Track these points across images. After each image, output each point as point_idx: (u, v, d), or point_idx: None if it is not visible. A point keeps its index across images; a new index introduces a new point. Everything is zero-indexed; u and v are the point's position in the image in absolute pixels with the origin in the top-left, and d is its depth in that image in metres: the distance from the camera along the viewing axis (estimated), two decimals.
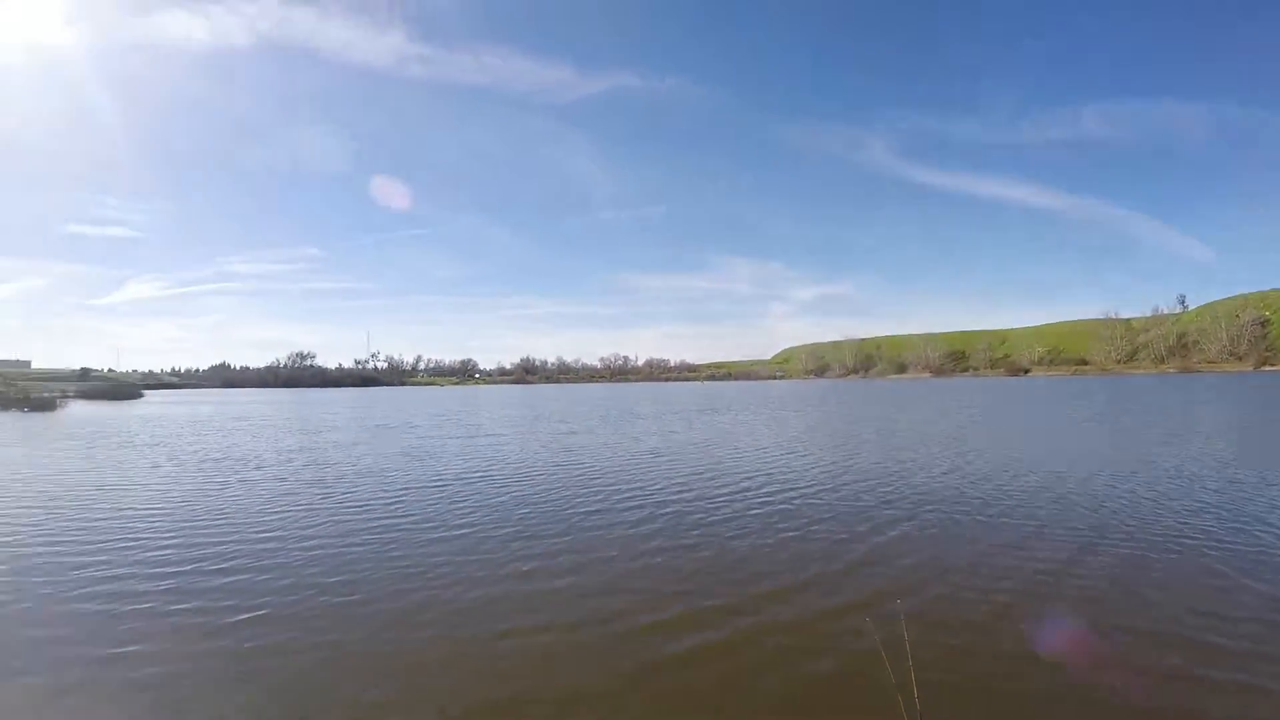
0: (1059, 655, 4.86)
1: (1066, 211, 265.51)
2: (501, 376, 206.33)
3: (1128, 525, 8.69)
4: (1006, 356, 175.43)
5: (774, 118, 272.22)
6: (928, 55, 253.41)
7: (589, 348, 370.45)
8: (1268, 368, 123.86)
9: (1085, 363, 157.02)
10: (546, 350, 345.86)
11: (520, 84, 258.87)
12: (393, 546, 8.05)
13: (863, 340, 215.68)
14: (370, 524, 9.27)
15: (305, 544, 8.20)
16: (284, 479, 13.48)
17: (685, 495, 11.28)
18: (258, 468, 15.13)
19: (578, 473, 13.89)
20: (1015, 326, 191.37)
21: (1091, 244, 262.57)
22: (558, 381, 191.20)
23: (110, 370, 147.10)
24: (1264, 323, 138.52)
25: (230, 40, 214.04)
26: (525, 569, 7.11)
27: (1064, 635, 5.23)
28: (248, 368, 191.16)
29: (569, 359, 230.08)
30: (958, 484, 11.93)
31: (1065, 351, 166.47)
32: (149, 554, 7.89)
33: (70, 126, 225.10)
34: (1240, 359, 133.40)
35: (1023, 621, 5.48)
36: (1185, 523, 8.87)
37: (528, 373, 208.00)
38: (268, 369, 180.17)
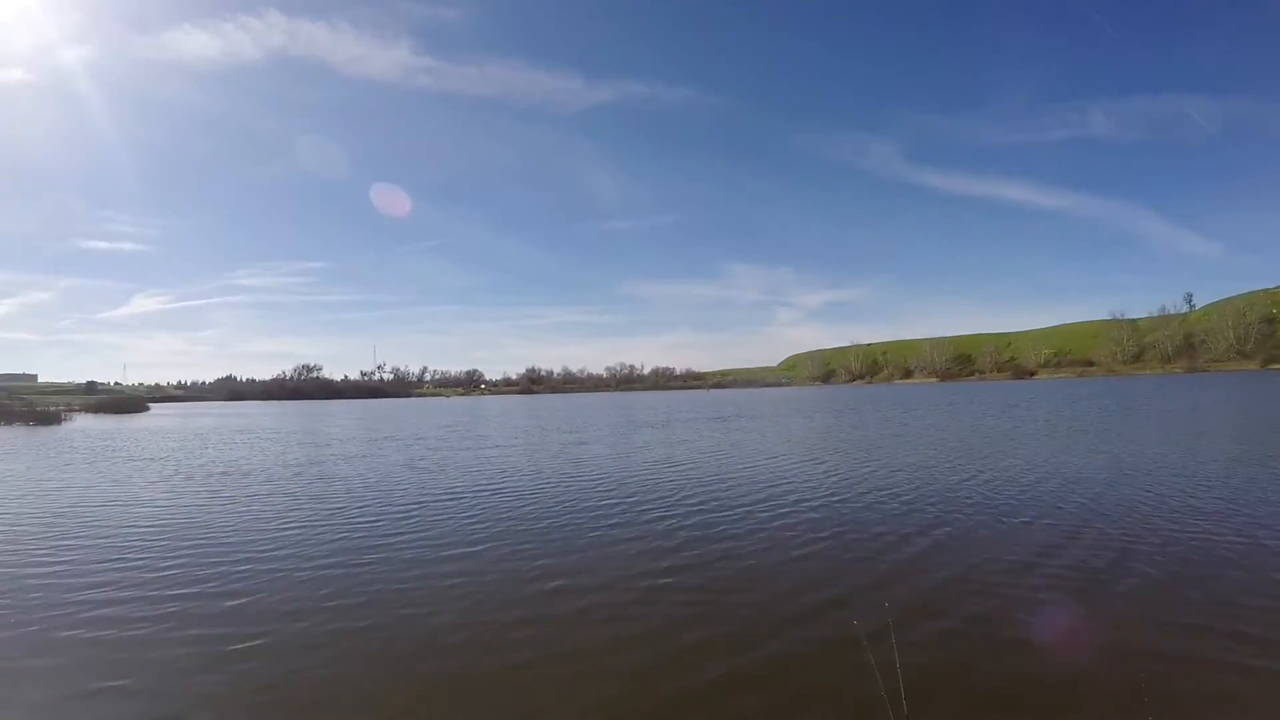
0: (1051, 667, 4.83)
1: (1072, 211, 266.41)
2: (507, 387, 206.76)
3: (1141, 531, 8.62)
4: (1013, 359, 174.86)
5: (781, 124, 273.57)
6: (933, 58, 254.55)
7: (595, 357, 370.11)
8: (1275, 366, 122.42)
9: (1091, 364, 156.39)
10: (552, 360, 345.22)
11: (528, 94, 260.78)
12: (404, 566, 7.69)
13: (868, 346, 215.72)
14: (380, 541, 8.95)
15: (312, 564, 7.86)
16: (290, 494, 13.17)
17: (703, 506, 11.00)
18: (263, 482, 14.84)
19: (591, 484, 13.58)
20: (1021, 329, 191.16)
21: (1098, 244, 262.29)
22: (563, 391, 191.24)
23: (116, 384, 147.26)
24: (1271, 320, 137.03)
25: (240, 55, 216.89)
26: (546, 588, 6.80)
27: (1056, 643, 5.23)
28: (254, 380, 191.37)
29: (574, 369, 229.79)
30: (971, 492, 11.77)
31: (1071, 353, 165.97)
32: (149, 575, 7.58)
33: (79, 142, 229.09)
34: (1247, 357, 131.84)
35: (1023, 638, 5.38)
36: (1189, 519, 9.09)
37: (533, 383, 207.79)
38: (274, 381, 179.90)
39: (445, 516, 10.57)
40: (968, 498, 11.14)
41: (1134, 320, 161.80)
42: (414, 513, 10.92)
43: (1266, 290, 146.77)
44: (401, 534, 9.35)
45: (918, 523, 9.41)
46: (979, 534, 8.68)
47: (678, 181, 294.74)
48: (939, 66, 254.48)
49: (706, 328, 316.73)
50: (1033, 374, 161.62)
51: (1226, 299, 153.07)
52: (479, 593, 6.63)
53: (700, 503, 11.20)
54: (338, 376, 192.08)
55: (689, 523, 9.74)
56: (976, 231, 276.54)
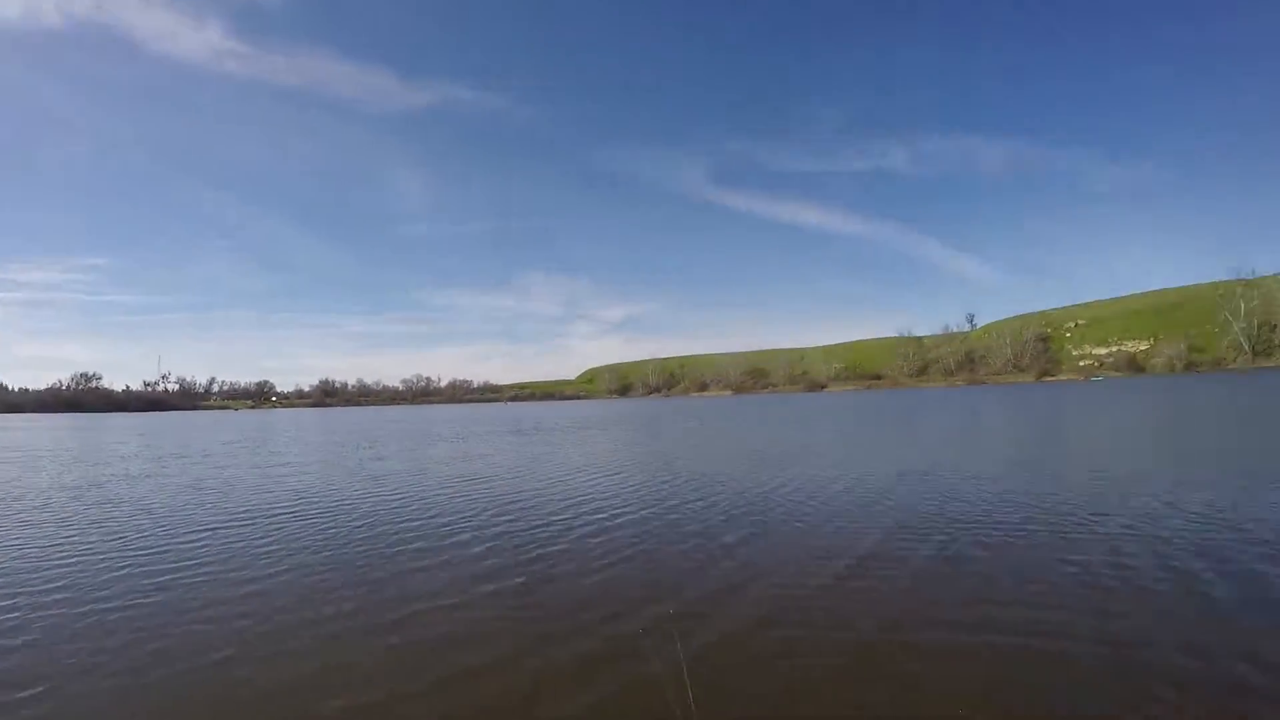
0: (836, 661, 5.11)
1: (866, 236, 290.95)
2: (300, 399, 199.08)
3: (908, 532, 9.10)
4: (805, 373, 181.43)
5: (592, 139, 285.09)
6: (747, 86, 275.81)
7: (391, 368, 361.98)
8: (1048, 378, 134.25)
9: (879, 377, 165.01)
10: (347, 371, 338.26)
11: (340, 90, 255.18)
12: (196, 604, 6.74)
13: (665, 359, 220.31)
14: (168, 576, 7.91)
15: (91, 605, 6.78)
16: (65, 521, 11.85)
17: (509, 523, 10.75)
18: (37, 508, 13.45)
19: (392, 503, 13.04)
20: (814, 345, 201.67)
21: (888, 267, 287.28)
22: (358, 404, 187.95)
23: None
24: (1044, 339, 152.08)
25: (41, 20, 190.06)
26: (354, 623, 6.17)
27: (838, 639, 5.51)
28: (27, 390, 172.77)
29: (369, 380, 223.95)
30: (768, 499, 12.05)
31: (861, 367, 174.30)
32: None
33: None
34: (1023, 371, 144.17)
35: (800, 632, 5.67)
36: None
37: (327, 395, 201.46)
38: (49, 391, 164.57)
39: (238, 543, 9.59)
40: (767, 505, 11.52)
41: (920, 337, 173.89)
42: (204, 541, 9.81)
43: (1040, 312, 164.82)
44: (191, 565, 8.38)
45: (715, 531, 9.67)
46: (771, 540, 9.02)
47: (484, 189, 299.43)
48: (752, 95, 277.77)
49: (505, 339, 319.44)
50: (824, 387, 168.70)
51: (1005, 319, 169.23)
52: (280, 631, 5.98)
53: (507, 519, 11.01)
54: (119, 387, 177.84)
55: (497, 541, 9.40)
56: (775, 252, 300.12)
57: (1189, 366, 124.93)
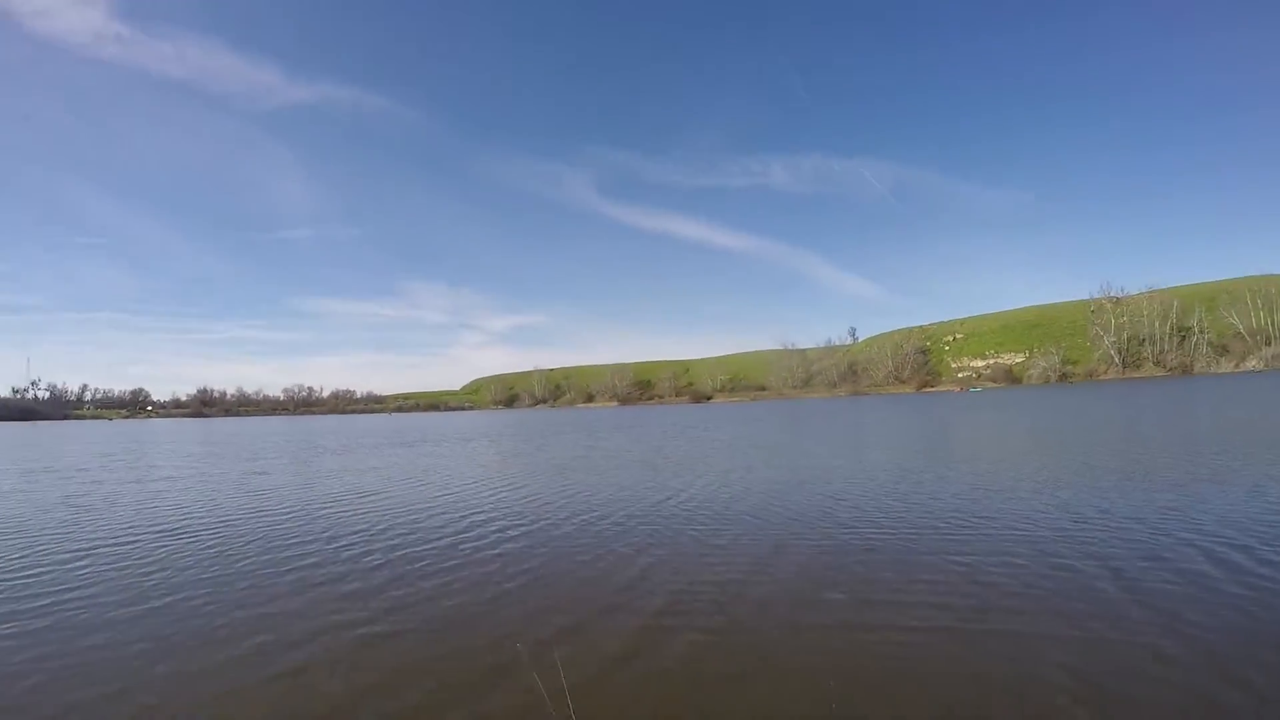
0: (717, 671, 5.19)
1: (750, 251, 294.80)
2: (177, 409, 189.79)
3: (790, 534, 9.65)
4: (690, 384, 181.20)
5: (477, 146, 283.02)
6: (633, 101, 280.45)
7: (272, 377, 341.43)
8: (927, 389, 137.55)
9: (764, 389, 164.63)
10: (225, 380, 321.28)
11: (222, 83, 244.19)
12: (73, 633, 6.44)
13: (551, 370, 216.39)
14: (41, 603, 7.46)
15: None
16: None
17: (401, 538, 10.55)
18: None
19: (280, 520, 12.61)
20: (699, 357, 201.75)
21: (772, 282, 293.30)
22: (238, 414, 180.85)
23: None
24: (924, 351, 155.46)
25: None
26: (242, 649, 5.90)
27: (723, 649, 5.60)
28: None
29: (249, 389, 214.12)
30: (661, 511, 12.23)
31: (746, 379, 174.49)
32: None
33: None
34: (904, 382, 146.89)
35: (683, 645, 5.72)
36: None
37: (205, 404, 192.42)
38: None
39: (117, 566, 9.18)
40: (660, 515, 11.73)
41: (803, 350, 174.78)
42: (78, 564, 9.35)
43: (920, 326, 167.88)
44: (66, 591, 7.92)
45: (608, 543, 9.79)
46: (664, 550, 9.14)
47: (367, 193, 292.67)
48: (638, 109, 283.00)
49: (390, 349, 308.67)
50: (709, 398, 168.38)
51: (885, 333, 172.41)
52: (165, 661, 5.71)
53: (398, 535, 10.81)
54: None
55: (389, 557, 9.23)
56: (661, 264, 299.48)
57: (1062, 378, 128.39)
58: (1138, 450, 18.11)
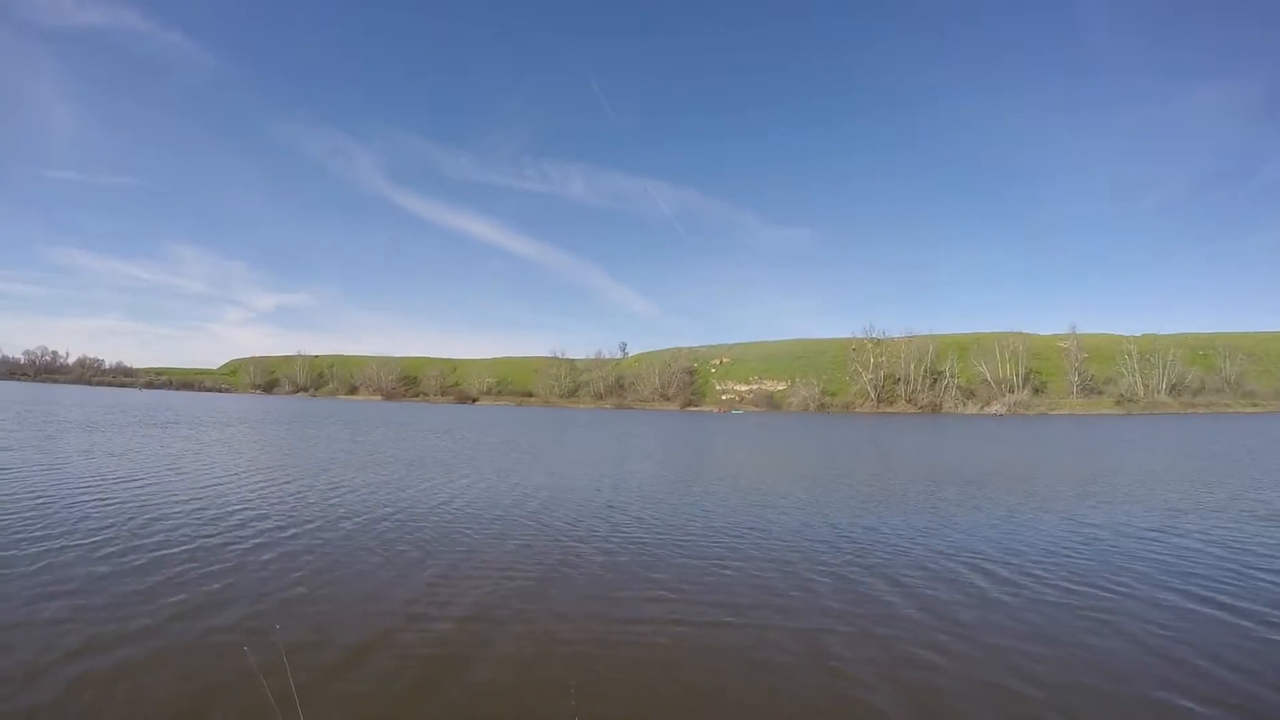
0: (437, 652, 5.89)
1: (534, 256, 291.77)
2: None
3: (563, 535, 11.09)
4: (457, 384, 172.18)
5: (276, 107, 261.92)
6: (432, 84, 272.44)
7: (9, 336, 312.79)
8: (691, 408, 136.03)
9: (531, 395, 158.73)
10: None
11: None
12: None
13: (315, 357, 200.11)
14: None
15: None
16: None
17: (164, 529, 10.68)
18: None
19: (24, 503, 12.16)
20: (468, 357, 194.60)
21: (550, 289, 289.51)
22: None
23: None
24: (691, 371, 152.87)
25: None
26: None
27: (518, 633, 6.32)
28: None
29: None
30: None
31: (513, 383, 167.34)
32: None
33: None
34: (669, 400, 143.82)
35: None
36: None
37: None
38: None
39: None
40: (437, 517, 12.32)
41: (573, 360, 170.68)
42: None
43: (689, 348, 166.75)
44: None
45: (386, 546, 10.11)
46: (440, 555, 9.63)
47: (145, 140, 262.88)
48: (437, 94, 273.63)
49: (144, 316, 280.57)
50: (475, 400, 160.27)
51: (655, 350, 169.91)
52: None
53: (163, 527, 10.78)
54: None
55: (145, 558, 9.04)
56: (440, 258, 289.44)
57: (821, 407, 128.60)
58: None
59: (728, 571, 8.82)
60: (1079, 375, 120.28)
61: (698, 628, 6.46)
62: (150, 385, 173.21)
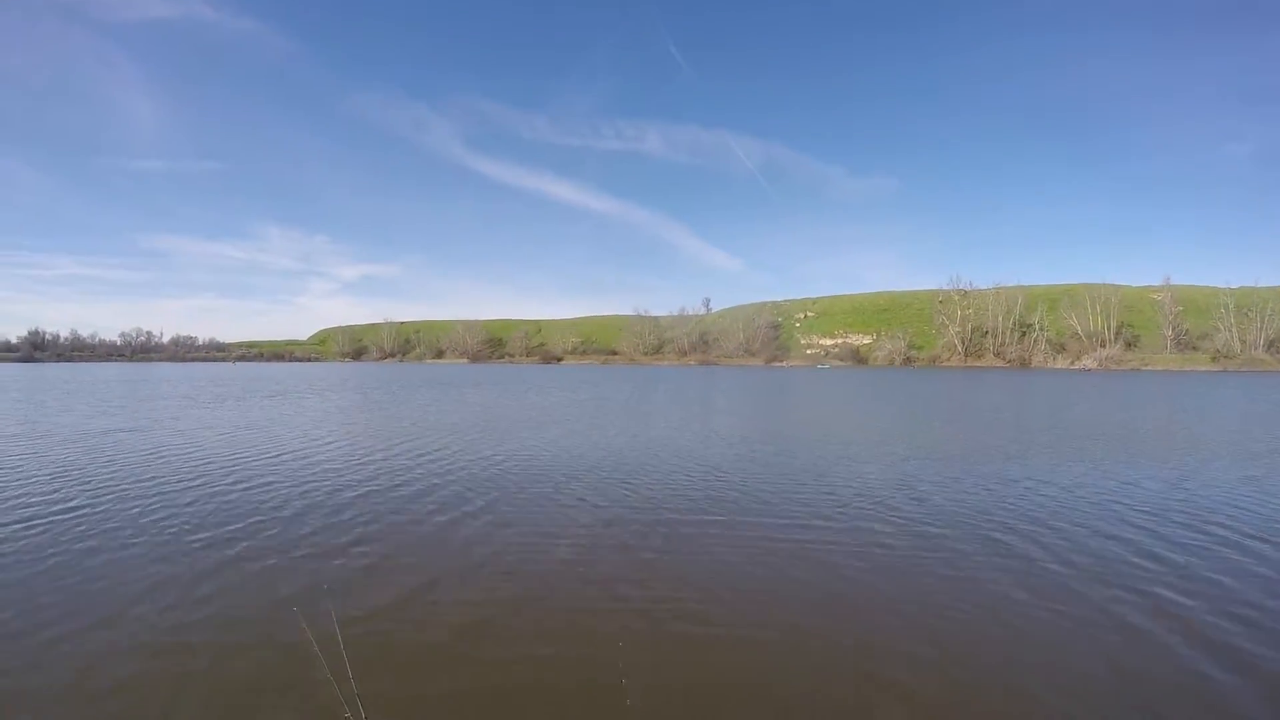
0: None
1: (615, 215, 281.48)
2: (6, 353, 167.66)
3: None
4: (542, 345, 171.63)
5: (341, 81, 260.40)
6: (507, 52, 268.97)
7: (108, 320, 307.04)
8: (776, 364, 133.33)
9: (615, 353, 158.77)
10: (58, 321, 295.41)
11: None
12: None
13: (401, 324, 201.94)
14: None
15: None
16: None
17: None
18: None
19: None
20: (551, 318, 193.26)
21: (632, 247, 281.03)
22: (70, 359, 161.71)
23: None
24: (775, 326, 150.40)
25: None
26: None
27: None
28: None
29: (84, 333, 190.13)
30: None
31: (597, 342, 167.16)
32: None
33: None
34: (753, 355, 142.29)
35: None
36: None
37: (36, 349, 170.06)
38: None
39: None
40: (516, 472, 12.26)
41: (656, 317, 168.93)
42: None
43: (773, 302, 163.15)
44: None
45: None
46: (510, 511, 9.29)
47: (224, 125, 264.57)
48: (512, 60, 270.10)
49: (233, 294, 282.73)
50: (560, 360, 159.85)
51: (738, 305, 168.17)
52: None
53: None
54: None
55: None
56: (522, 222, 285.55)
57: (907, 361, 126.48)
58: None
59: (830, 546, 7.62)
60: (1173, 329, 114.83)
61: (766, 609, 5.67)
62: (242, 359, 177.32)
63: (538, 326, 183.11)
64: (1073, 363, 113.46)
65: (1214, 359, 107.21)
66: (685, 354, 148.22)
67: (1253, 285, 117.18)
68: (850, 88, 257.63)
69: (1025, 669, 4.83)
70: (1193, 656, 5.01)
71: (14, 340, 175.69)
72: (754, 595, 6.11)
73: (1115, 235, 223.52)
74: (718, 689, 4.43)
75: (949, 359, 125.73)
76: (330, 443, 16.22)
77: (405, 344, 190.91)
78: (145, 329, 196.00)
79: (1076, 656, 5.02)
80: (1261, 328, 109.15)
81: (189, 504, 9.70)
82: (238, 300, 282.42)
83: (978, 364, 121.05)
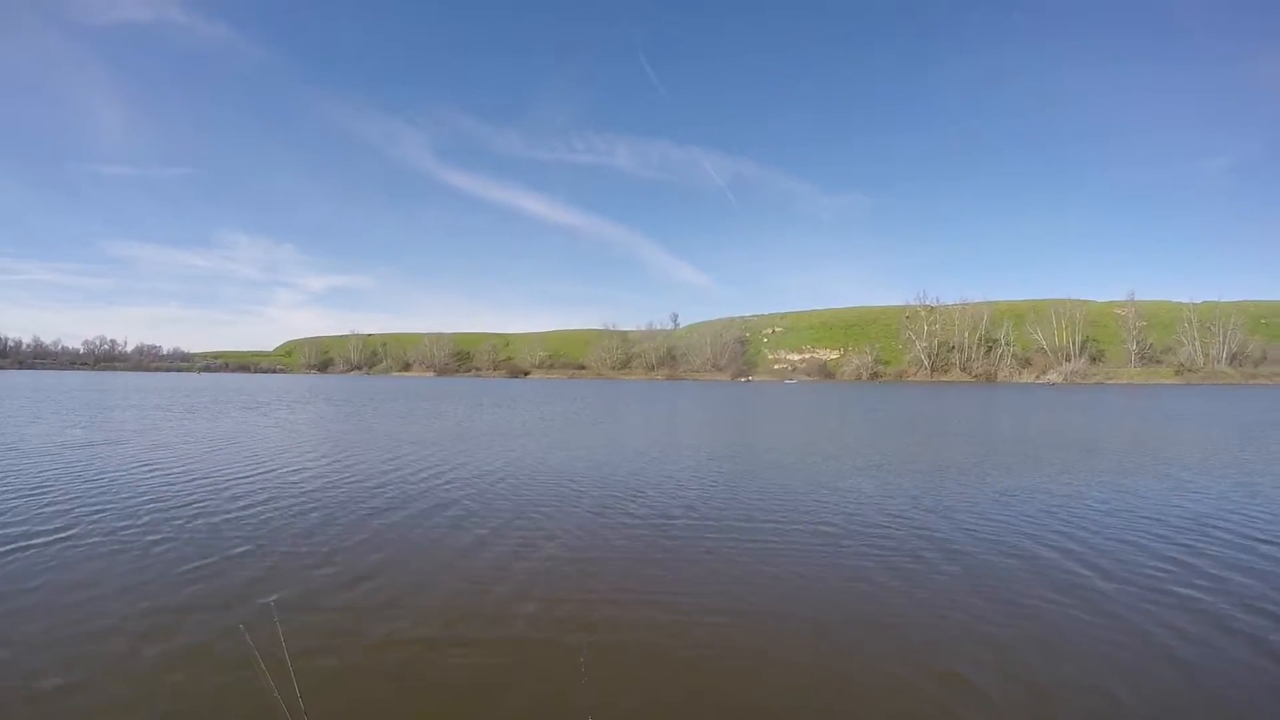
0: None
1: (584, 229, 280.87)
2: None
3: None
4: (509, 359, 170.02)
5: (321, 92, 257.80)
6: (479, 63, 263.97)
7: (71, 327, 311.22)
8: (742, 379, 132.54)
9: (583, 367, 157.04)
10: (21, 327, 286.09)
11: None
12: None
13: (369, 336, 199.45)
14: None
15: None
16: None
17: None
18: None
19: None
20: (519, 331, 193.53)
21: (601, 262, 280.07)
22: (33, 367, 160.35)
23: None
24: (743, 341, 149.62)
25: None
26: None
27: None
28: None
29: (47, 340, 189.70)
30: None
31: (565, 356, 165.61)
32: None
33: None
34: (721, 370, 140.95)
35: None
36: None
37: None
38: None
39: None
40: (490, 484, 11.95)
41: (624, 331, 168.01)
42: None
43: (741, 317, 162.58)
44: None
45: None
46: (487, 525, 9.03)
47: (193, 131, 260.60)
48: (484, 73, 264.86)
49: (198, 303, 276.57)
50: (527, 374, 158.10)
51: (707, 321, 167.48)
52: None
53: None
54: None
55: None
56: (491, 235, 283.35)
57: (874, 376, 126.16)
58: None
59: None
60: (1137, 344, 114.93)
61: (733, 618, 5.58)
62: (207, 369, 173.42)
63: (505, 340, 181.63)
64: (1038, 377, 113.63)
65: (1178, 372, 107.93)
66: (653, 369, 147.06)
67: (1216, 300, 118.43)
68: (825, 104, 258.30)
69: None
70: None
71: None
72: (723, 611, 5.95)
73: (1082, 249, 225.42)
74: (682, 707, 4.33)
75: (915, 374, 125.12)
76: (291, 457, 15.52)
77: (372, 356, 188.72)
78: (109, 337, 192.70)
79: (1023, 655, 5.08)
80: (1224, 342, 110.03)
81: (145, 519, 9.12)
82: (203, 310, 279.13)
83: (944, 379, 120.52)
